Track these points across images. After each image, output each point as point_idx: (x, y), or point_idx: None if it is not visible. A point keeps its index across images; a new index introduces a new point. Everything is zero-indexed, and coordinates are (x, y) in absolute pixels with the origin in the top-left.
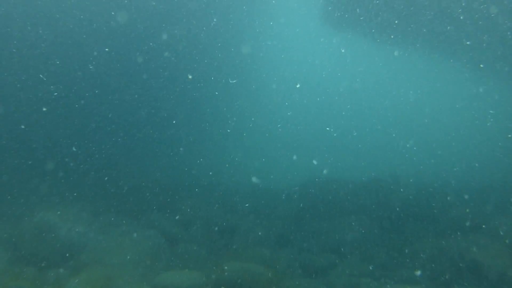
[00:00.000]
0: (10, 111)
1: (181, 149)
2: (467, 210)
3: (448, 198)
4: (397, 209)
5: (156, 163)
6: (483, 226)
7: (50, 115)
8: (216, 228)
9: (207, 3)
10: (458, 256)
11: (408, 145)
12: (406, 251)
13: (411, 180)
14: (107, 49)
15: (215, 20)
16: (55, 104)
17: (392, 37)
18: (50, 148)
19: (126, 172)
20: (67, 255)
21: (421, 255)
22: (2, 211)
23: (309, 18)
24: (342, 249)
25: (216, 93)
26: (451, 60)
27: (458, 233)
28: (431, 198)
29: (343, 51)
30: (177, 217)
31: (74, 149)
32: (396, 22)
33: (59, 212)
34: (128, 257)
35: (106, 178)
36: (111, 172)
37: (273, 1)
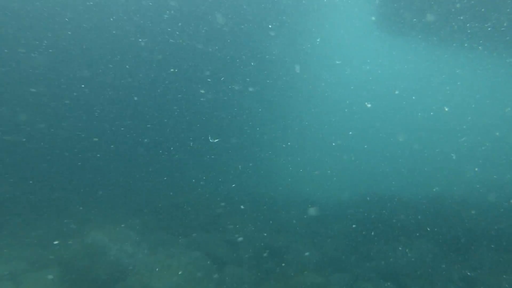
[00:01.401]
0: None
1: (229, 162)
2: None
3: None
4: (467, 232)
5: (203, 177)
6: None
7: (94, 132)
8: (265, 249)
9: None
10: None
11: (479, 155)
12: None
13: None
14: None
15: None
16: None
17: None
18: (96, 164)
19: (173, 188)
20: (116, 277)
21: None
22: (53, 230)
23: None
24: (401, 277)
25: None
26: None
27: None
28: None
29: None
30: (224, 237)
31: (120, 165)
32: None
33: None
34: (174, 283)
35: (153, 194)
36: (159, 188)
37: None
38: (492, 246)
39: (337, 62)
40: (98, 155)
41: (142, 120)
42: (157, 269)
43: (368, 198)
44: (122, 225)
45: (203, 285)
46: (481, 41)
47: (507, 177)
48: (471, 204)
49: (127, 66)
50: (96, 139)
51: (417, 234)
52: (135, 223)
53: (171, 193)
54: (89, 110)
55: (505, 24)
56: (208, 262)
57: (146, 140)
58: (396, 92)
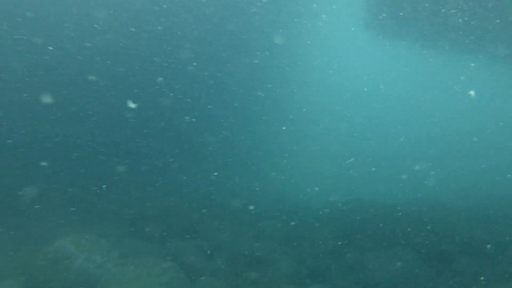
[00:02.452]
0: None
1: (206, 166)
2: None
3: None
4: (453, 242)
5: (179, 182)
6: None
7: (64, 137)
8: (243, 259)
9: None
10: None
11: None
12: None
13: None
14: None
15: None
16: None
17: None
18: (67, 170)
19: (148, 193)
20: None
21: None
22: (14, 238)
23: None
24: None
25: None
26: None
27: None
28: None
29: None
30: (200, 246)
31: (92, 171)
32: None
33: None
34: None
35: (127, 200)
36: (133, 193)
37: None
38: (478, 255)
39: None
40: (67, 157)
41: (114, 124)
42: (124, 281)
43: (351, 205)
44: (92, 232)
45: None
46: (465, 43)
47: (494, 181)
48: (457, 210)
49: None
50: (65, 140)
51: (402, 243)
52: (106, 230)
53: (145, 198)
54: (59, 111)
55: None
56: (181, 273)
57: (118, 143)
58: (382, 88)
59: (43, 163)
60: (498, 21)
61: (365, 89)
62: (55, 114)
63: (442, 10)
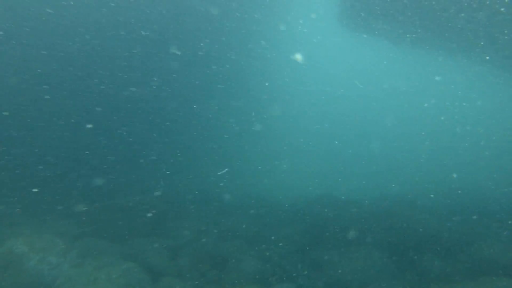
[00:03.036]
0: None
1: (170, 162)
2: None
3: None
4: (420, 239)
5: (142, 177)
6: None
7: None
8: (207, 258)
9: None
10: None
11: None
12: None
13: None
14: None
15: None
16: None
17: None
18: (22, 166)
19: (108, 189)
20: None
21: None
22: None
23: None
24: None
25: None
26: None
27: (494, 278)
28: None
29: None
30: (163, 244)
31: (49, 165)
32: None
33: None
34: None
35: (87, 197)
36: (92, 189)
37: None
38: (445, 252)
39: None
40: (23, 151)
41: (74, 117)
42: (81, 284)
43: (319, 202)
44: (47, 231)
45: None
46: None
47: (463, 179)
48: (424, 208)
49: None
50: (20, 134)
51: (369, 240)
52: (65, 228)
53: (105, 195)
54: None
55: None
56: (142, 274)
57: (78, 135)
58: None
59: None
60: (463, 14)
61: (339, 86)
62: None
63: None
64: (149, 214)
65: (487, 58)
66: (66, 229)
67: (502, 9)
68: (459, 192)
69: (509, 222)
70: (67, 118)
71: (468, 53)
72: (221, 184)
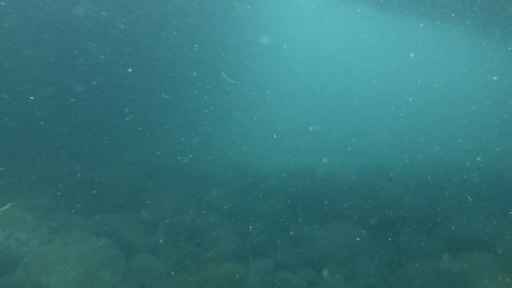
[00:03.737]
0: None
1: (149, 131)
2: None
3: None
4: (401, 216)
5: (118, 148)
6: None
7: None
8: (183, 234)
9: None
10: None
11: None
12: (401, 271)
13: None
14: None
15: None
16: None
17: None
18: None
19: (82, 163)
20: (0, 271)
21: (418, 277)
22: None
23: None
24: (325, 265)
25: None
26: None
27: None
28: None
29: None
30: (139, 219)
31: (19, 136)
32: None
33: None
34: (70, 277)
35: (58, 170)
36: (64, 163)
37: None
38: (424, 227)
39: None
40: None
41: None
42: (50, 261)
43: (299, 175)
44: (15, 205)
45: (104, 280)
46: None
47: (446, 154)
48: (404, 182)
49: None
50: None
51: (349, 215)
52: (33, 202)
53: (79, 167)
54: None
55: None
56: (115, 251)
57: (48, 103)
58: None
59: None
60: None
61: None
62: None
63: None
64: (126, 188)
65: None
66: (37, 202)
67: None
68: (439, 165)
69: (489, 197)
70: (41, 91)
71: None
72: (201, 157)
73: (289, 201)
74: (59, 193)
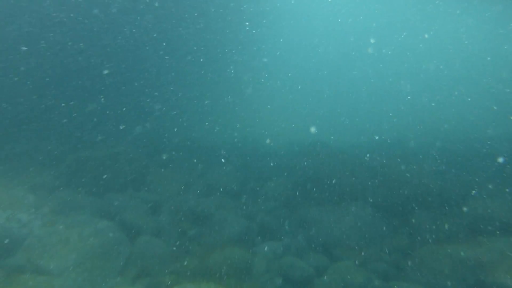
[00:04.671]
0: None
1: (154, 108)
2: None
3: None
4: (416, 196)
5: (122, 126)
6: None
7: None
8: (188, 216)
9: None
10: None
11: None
12: (415, 256)
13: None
14: None
15: None
16: None
17: None
18: None
19: (86, 139)
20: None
21: (433, 263)
22: None
23: None
24: (335, 249)
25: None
26: None
27: (491, 236)
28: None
29: None
30: (142, 199)
31: (22, 114)
32: None
33: None
34: (71, 261)
35: (61, 149)
36: (68, 139)
37: None
38: (439, 209)
39: None
40: None
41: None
42: (50, 244)
43: (309, 151)
44: (20, 187)
45: (106, 263)
46: None
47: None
48: (420, 160)
49: None
50: None
51: (361, 196)
52: (36, 181)
53: (82, 145)
54: None
55: None
56: (118, 233)
57: (55, 81)
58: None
59: None
60: None
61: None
62: None
63: None
64: (129, 167)
65: None
66: (39, 181)
67: None
68: (459, 142)
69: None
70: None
71: None
72: (206, 133)
73: (298, 179)
74: (61, 173)
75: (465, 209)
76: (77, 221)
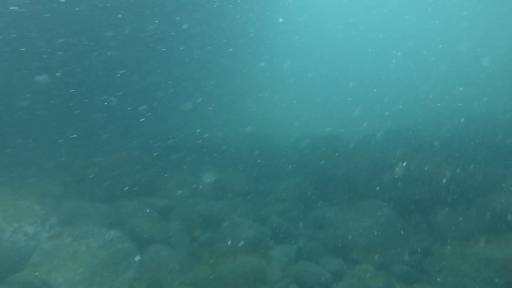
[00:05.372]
0: None
1: (161, 112)
2: None
3: None
4: (436, 194)
5: (131, 132)
6: None
7: None
8: (200, 221)
9: None
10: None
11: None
12: (438, 257)
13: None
14: None
15: None
16: None
17: None
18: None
19: (96, 145)
20: (8, 269)
21: (458, 265)
22: None
23: None
24: (352, 251)
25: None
26: None
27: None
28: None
29: None
30: (152, 205)
31: (31, 120)
32: None
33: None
34: (80, 275)
35: (73, 154)
36: (77, 145)
37: None
38: (456, 205)
39: None
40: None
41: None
42: (58, 258)
43: (323, 147)
44: (25, 196)
45: (116, 276)
46: None
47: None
48: (438, 152)
49: None
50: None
51: (376, 194)
52: (42, 191)
53: (92, 151)
54: None
55: None
56: (127, 243)
57: (61, 88)
58: None
59: None
60: None
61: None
62: None
63: None
64: (138, 171)
65: None
66: (46, 190)
67: None
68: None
69: None
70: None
71: None
72: (217, 132)
73: (312, 177)
74: (68, 180)
75: (490, 204)
76: (85, 232)
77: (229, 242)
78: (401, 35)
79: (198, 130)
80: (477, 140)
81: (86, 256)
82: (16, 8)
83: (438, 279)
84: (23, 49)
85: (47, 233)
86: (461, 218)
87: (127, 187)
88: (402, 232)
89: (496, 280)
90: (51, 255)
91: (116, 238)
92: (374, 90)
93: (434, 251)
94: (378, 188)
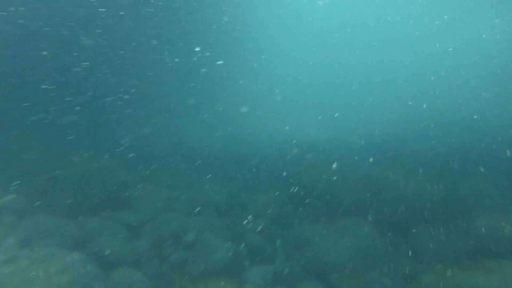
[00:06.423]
0: None
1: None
2: None
3: None
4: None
5: (104, 140)
6: None
7: None
8: (170, 242)
9: None
10: None
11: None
12: (422, 281)
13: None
14: None
15: None
16: None
17: None
18: None
19: (64, 155)
20: None
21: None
22: None
23: None
24: (331, 274)
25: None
26: None
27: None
28: None
29: None
30: (121, 221)
31: None
32: None
33: None
34: None
35: (30, 164)
36: (40, 155)
37: None
38: (440, 225)
39: None
40: None
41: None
42: (15, 285)
43: (302, 159)
44: None
45: None
46: None
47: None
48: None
49: None
50: None
51: (359, 211)
52: (1, 207)
53: (59, 160)
54: None
55: None
56: (90, 267)
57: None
58: None
59: None
60: None
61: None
62: None
63: None
64: (109, 182)
65: None
66: (4, 206)
67: None
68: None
69: None
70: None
71: None
72: (191, 140)
73: (290, 192)
74: (31, 193)
75: (473, 224)
76: (44, 255)
77: (202, 263)
78: (393, 37)
79: (175, 136)
80: (461, 154)
81: (44, 283)
82: None
83: None
84: None
85: (2, 256)
86: (443, 239)
87: (96, 201)
88: (383, 254)
89: None
90: (4, 283)
91: (78, 262)
92: (363, 96)
93: (416, 276)
94: (359, 204)
